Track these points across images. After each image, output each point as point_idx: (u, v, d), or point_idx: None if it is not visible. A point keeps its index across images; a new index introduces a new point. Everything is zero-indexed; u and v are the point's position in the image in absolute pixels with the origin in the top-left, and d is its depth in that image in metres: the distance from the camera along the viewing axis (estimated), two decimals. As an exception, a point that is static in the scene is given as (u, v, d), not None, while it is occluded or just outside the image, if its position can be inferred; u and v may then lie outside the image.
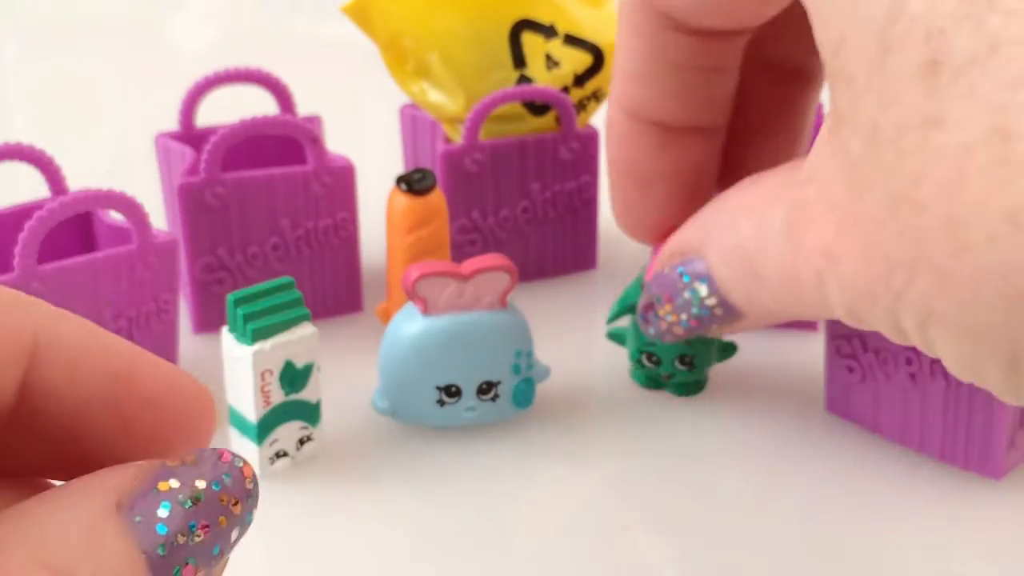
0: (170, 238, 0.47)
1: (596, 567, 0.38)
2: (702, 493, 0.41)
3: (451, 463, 0.43)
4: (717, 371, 0.46)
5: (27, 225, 0.43)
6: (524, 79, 0.57)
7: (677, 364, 0.42)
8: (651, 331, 0.39)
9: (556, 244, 0.60)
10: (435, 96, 0.57)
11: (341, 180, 0.54)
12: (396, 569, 0.39)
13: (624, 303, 0.43)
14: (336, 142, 0.59)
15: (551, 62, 0.57)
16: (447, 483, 0.42)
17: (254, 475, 0.19)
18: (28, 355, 0.18)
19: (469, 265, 0.42)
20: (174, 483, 0.17)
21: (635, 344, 0.44)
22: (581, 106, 0.58)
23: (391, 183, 0.51)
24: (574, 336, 0.53)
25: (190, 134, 0.59)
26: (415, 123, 0.65)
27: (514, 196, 0.57)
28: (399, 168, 0.68)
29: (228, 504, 0.18)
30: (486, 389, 0.43)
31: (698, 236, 0.35)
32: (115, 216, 0.50)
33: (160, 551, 0.16)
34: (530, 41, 0.57)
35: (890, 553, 0.38)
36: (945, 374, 0.40)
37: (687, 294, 0.35)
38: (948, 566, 0.38)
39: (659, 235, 0.40)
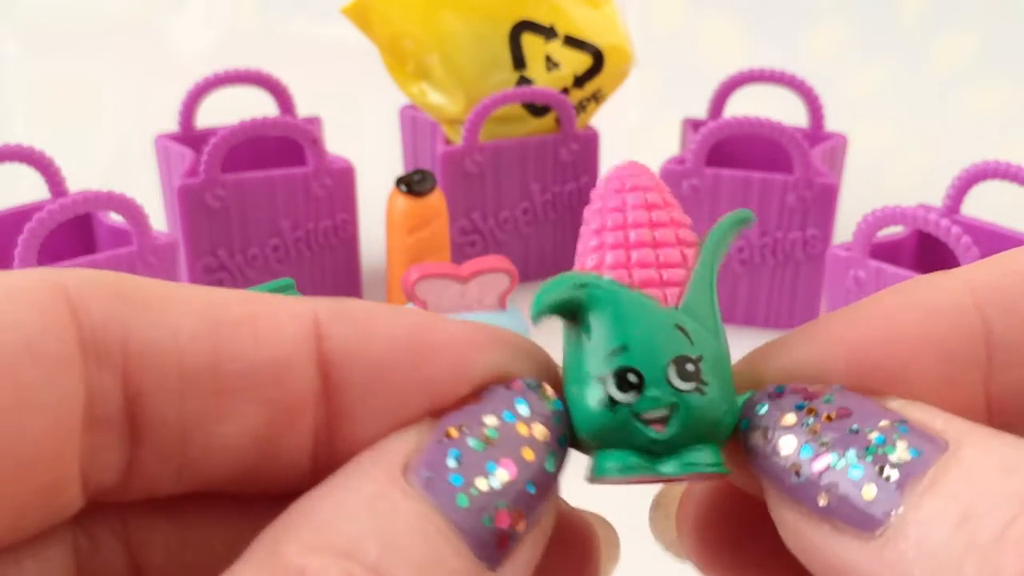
0: (170, 239, 0.47)
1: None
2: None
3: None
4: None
5: (27, 227, 0.43)
6: (524, 80, 0.57)
7: (675, 379, 0.17)
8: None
9: (556, 245, 0.60)
10: (435, 97, 0.57)
11: (341, 181, 0.54)
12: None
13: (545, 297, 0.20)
14: (336, 143, 0.59)
15: (551, 63, 0.57)
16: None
17: (556, 392, 0.17)
18: (315, 332, 0.16)
19: (469, 266, 0.42)
20: (461, 428, 0.15)
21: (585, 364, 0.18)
22: (581, 107, 0.58)
23: (391, 184, 0.50)
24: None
25: (190, 135, 0.59)
26: (415, 124, 0.65)
27: (514, 197, 0.57)
28: (399, 169, 0.68)
29: (531, 434, 0.16)
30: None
31: None
32: (115, 217, 0.50)
33: (464, 503, 0.14)
34: (530, 42, 0.57)
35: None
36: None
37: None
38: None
39: None
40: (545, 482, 0.15)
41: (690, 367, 0.16)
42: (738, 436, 0.17)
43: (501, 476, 0.15)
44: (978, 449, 0.14)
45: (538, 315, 0.17)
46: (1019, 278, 0.17)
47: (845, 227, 0.55)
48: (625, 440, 0.16)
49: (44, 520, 0.15)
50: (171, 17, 1.18)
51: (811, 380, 0.17)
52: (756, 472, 0.16)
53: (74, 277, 0.15)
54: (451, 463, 0.15)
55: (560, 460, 0.16)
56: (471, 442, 0.15)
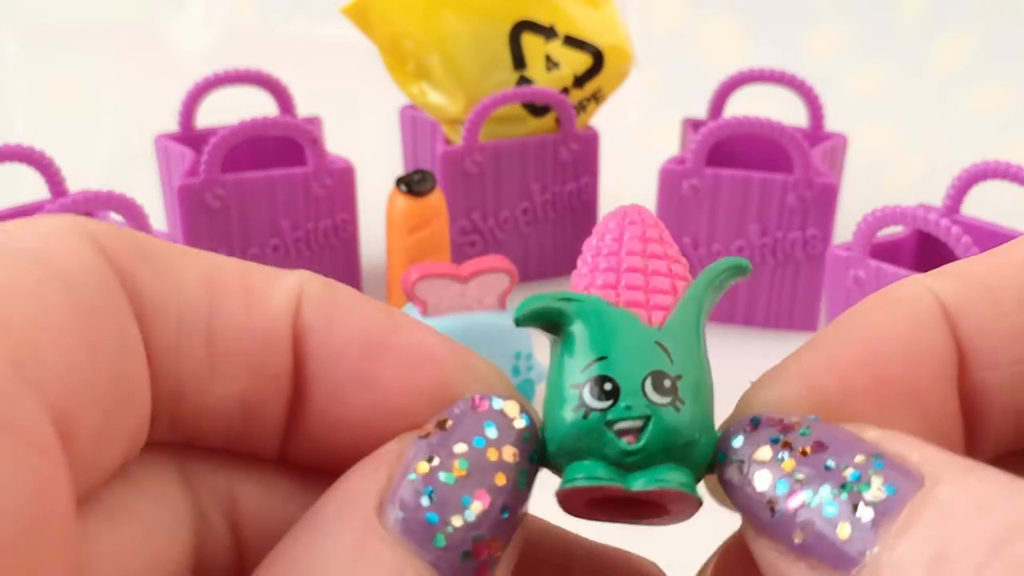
0: (170, 239, 0.47)
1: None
2: (703, 491, 0.41)
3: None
4: (715, 370, 0.45)
5: (27, 226, 0.43)
6: (524, 80, 0.57)
7: (651, 392, 0.16)
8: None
9: (556, 245, 0.60)
10: (435, 97, 0.57)
11: (341, 181, 0.54)
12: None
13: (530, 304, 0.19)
14: (336, 143, 0.59)
15: (551, 63, 0.57)
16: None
17: (523, 408, 0.16)
18: (297, 302, 0.16)
19: (469, 266, 0.42)
20: (429, 459, 0.15)
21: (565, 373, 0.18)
22: (581, 107, 0.58)
23: (391, 184, 0.50)
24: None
25: (190, 135, 0.59)
26: (415, 124, 0.65)
27: (514, 197, 0.57)
28: (399, 169, 0.68)
29: (501, 457, 0.15)
30: (486, 390, 0.43)
31: None
32: (115, 217, 0.50)
33: (441, 543, 0.14)
34: (530, 42, 0.57)
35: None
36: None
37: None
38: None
39: None
40: (518, 503, 0.16)
41: (667, 383, 0.16)
42: (715, 469, 0.16)
43: (476, 508, 0.15)
44: (953, 486, 0.14)
45: (519, 319, 0.17)
46: (984, 280, 0.17)
47: (845, 227, 0.55)
48: (596, 450, 0.16)
49: (133, 450, 0.15)
50: (171, 17, 1.18)
51: (781, 410, 0.16)
52: (733, 503, 0.16)
53: (99, 226, 0.15)
54: (424, 502, 0.15)
55: (531, 476, 0.16)
56: (443, 477, 0.15)
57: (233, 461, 0.17)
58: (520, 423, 0.16)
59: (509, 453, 0.16)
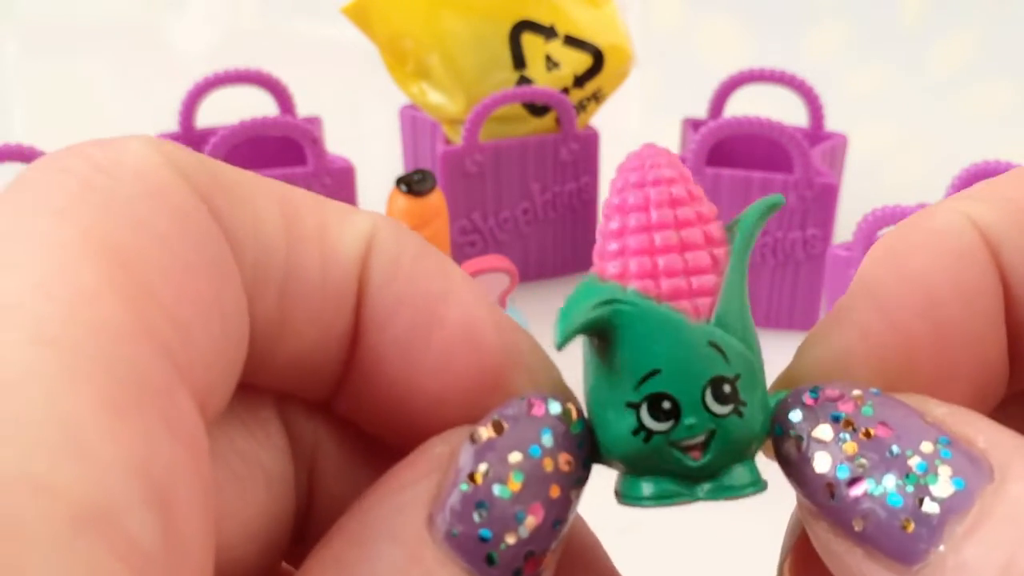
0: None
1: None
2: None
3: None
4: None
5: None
6: (524, 80, 0.57)
7: (712, 404, 0.16)
8: None
9: (556, 245, 0.60)
10: (435, 97, 0.57)
11: (341, 181, 0.54)
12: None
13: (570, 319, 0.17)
14: (336, 143, 0.59)
15: (551, 63, 0.57)
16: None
17: (579, 412, 0.15)
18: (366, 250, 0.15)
19: (469, 266, 0.42)
20: (483, 468, 0.14)
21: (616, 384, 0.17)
22: (581, 107, 0.58)
23: (391, 184, 0.50)
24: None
25: (190, 135, 0.59)
26: (415, 124, 0.65)
27: (514, 197, 0.57)
28: (399, 169, 0.68)
29: (557, 467, 0.15)
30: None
31: None
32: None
33: (495, 561, 0.14)
34: (530, 42, 0.57)
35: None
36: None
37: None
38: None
39: None
40: (569, 512, 0.15)
41: (727, 388, 0.15)
42: (770, 437, 0.16)
43: (530, 524, 0.14)
44: None
45: (564, 340, 0.15)
46: (1022, 204, 0.16)
47: (845, 227, 0.55)
48: (658, 467, 0.15)
49: (234, 380, 0.15)
50: (171, 17, 1.18)
51: (839, 373, 0.16)
52: (788, 478, 0.15)
53: (175, 149, 0.15)
54: (477, 518, 0.14)
55: (583, 483, 0.15)
56: (497, 491, 0.14)
57: (318, 411, 0.17)
58: (576, 428, 0.15)
59: (564, 462, 0.15)
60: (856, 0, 1.17)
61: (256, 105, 0.59)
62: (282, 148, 0.57)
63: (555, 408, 0.15)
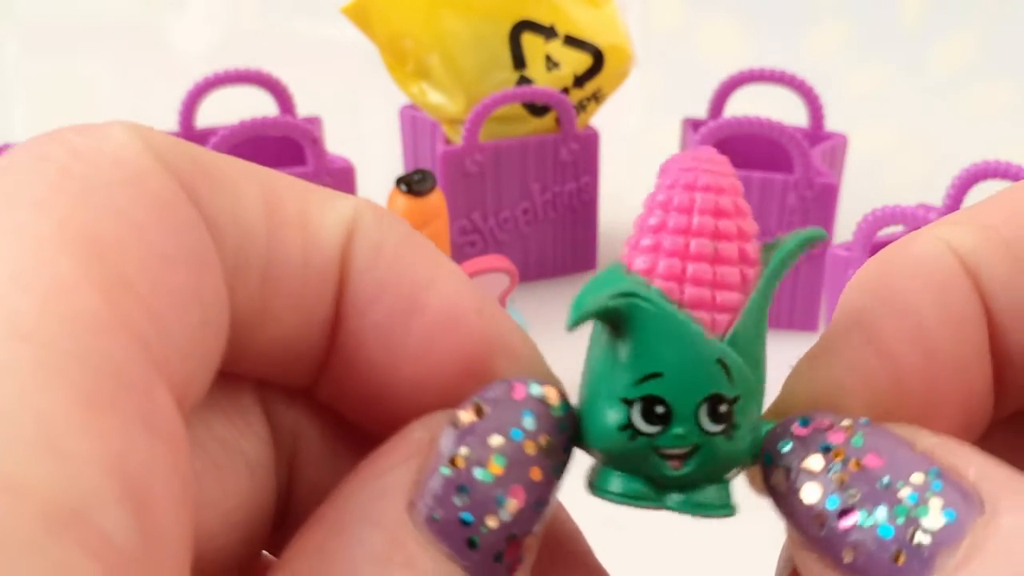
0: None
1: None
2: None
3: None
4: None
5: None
6: (524, 80, 0.57)
7: (704, 419, 0.16)
8: None
9: (556, 244, 0.60)
10: (435, 97, 0.57)
11: (341, 181, 0.54)
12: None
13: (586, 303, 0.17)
14: (336, 143, 0.59)
15: (551, 63, 0.57)
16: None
17: (561, 395, 0.15)
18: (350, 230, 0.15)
19: (469, 266, 0.42)
20: (464, 452, 0.14)
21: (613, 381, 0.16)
22: (581, 107, 0.58)
23: (391, 184, 0.50)
24: (574, 336, 0.53)
25: (190, 135, 0.59)
26: (415, 124, 0.65)
27: (514, 197, 0.58)
28: (399, 169, 0.68)
29: (538, 450, 0.15)
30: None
31: None
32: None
33: (477, 544, 0.14)
34: (530, 42, 0.57)
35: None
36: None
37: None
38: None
39: None
40: (551, 494, 0.15)
41: (723, 408, 0.15)
42: (758, 465, 0.16)
43: (511, 507, 0.14)
44: (1016, 516, 0.13)
45: (577, 321, 0.15)
46: (1001, 232, 0.16)
47: (845, 227, 0.55)
48: (636, 467, 0.15)
49: (214, 367, 0.14)
50: (171, 17, 1.18)
51: (830, 405, 0.16)
52: (777, 509, 0.15)
53: (155, 134, 0.14)
54: (458, 501, 0.14)
55: (564, 467, 0.15)
56: (478, 474, 0.14)
57: (298, 398, 0.17)
58: (558, 412, 0.15)
59: (546, 443, 0.15)
60: (856, 0, 1.17)
61: (256, 105, 0.59)
62: (282, 148, 0.57)
63: (537, 391, 0.15)
